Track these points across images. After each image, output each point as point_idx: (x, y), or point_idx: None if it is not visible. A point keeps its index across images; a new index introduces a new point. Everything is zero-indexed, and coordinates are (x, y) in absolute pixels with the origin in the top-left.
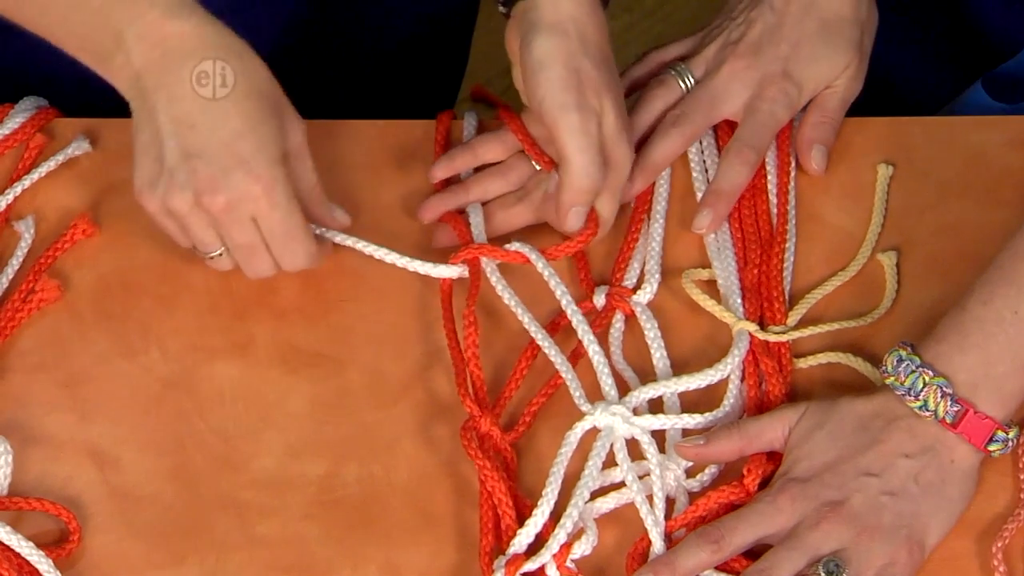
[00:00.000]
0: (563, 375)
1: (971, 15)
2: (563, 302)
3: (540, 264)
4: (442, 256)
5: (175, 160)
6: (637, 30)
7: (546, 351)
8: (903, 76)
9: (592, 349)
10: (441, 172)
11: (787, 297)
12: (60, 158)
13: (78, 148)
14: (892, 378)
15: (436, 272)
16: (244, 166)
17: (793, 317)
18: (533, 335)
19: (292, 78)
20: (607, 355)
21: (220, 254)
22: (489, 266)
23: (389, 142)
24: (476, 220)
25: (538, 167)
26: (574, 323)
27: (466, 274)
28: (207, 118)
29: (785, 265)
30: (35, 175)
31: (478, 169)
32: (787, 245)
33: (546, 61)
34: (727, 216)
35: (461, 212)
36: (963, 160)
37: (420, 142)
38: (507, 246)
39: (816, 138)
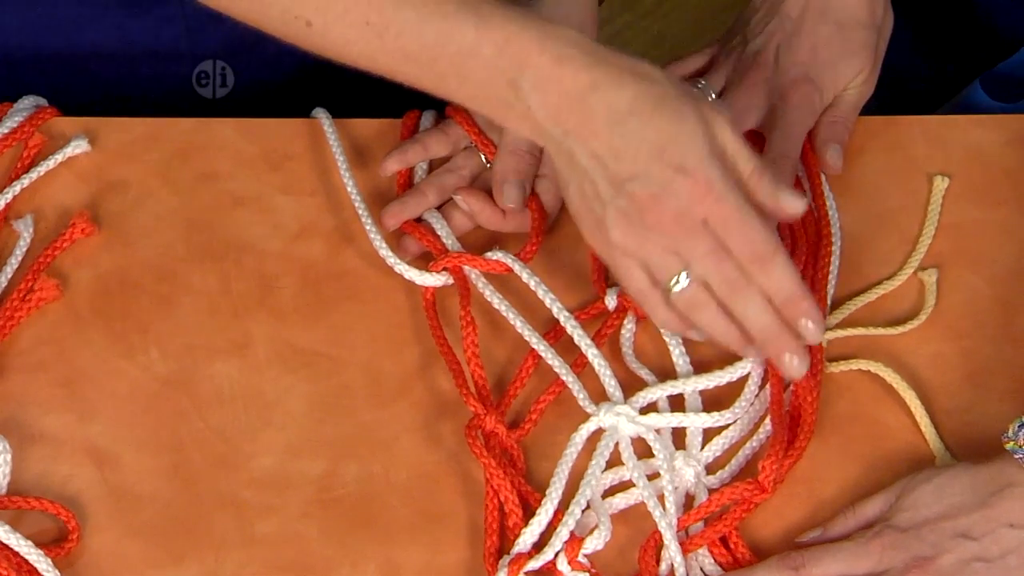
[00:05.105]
0: (564, 378)
1: (976, 11)
2: (554, 310)
3: (524, 274)
4: (426, 262)
5: (610, 193)
6: (636, 29)
7: (544, 356)
8: (903, 74)
9: (591, 353)
10: (393, 165)
11: (829, 302)
12: (59, 157)
13: (77, 147)
14: (1012, 442)
15: (421, 280)
16: (680, 172)
17: (830, 322)
18: (529, 341)
19: (299, 77)
20: (618, 357)
21: (687, 278)
22: (473, 273)
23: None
24: (443, 229)
25: (488, 163)
26: (568, 329)
27: (451, 281)
28: (627, 142)
29: (831, 270)
30: (34, 174)
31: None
32: (832, 249)
33: None
34: (776, 227)
35: (420, 220)
36: (962, 159)
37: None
38: (488, 254)
39: (831, 137)
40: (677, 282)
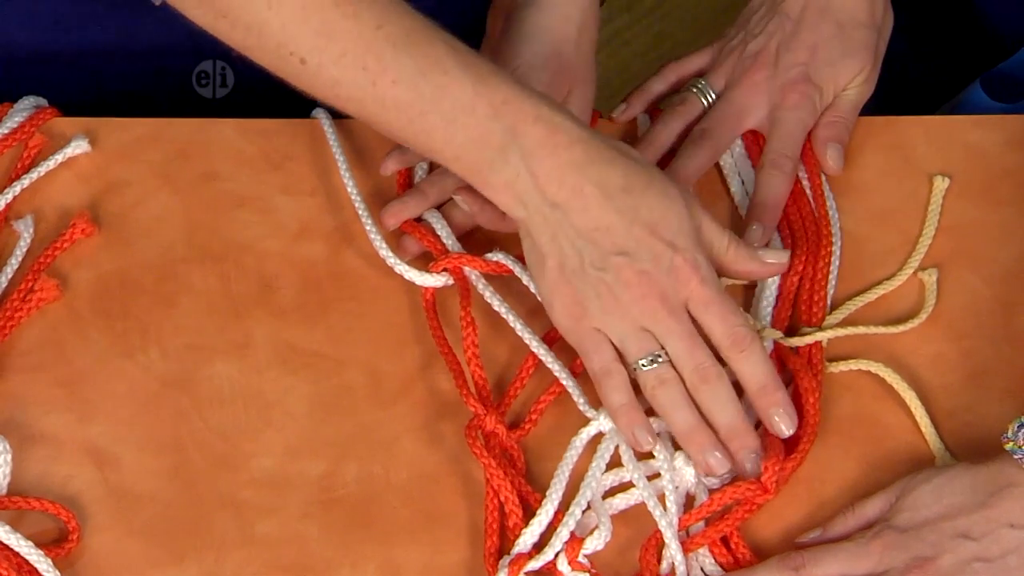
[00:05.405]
0: (563, 382)
1: (976, 11)
2: None
3: (525, 276)
4: (426, 262)
5: (596, 266)
6: (636, 29)
7: (544, 360)
8: (903, 74)
9: None
10: (393, 164)
11: (829, 302)
12: (59, 157)
13: (77, 148)
14: (1011, 443)
15: (421, 280)
16: (670, 250)
17: (830, 322)
18: (529, 344)
19: None
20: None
21: (661, 359)
22: (473, 274)
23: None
24: (443, 229)
25: None
26: None
27: (451, 282)
28: (620, 218)
29: (831, 270)
30: (34, 174)
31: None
32: (833, 249)
33: (534, 33)
34: (776, 227)
35: (420, 220)
36: (962, 159)
37: None
38: (488, 255)
39: (831, 137)
40: (651, 359)
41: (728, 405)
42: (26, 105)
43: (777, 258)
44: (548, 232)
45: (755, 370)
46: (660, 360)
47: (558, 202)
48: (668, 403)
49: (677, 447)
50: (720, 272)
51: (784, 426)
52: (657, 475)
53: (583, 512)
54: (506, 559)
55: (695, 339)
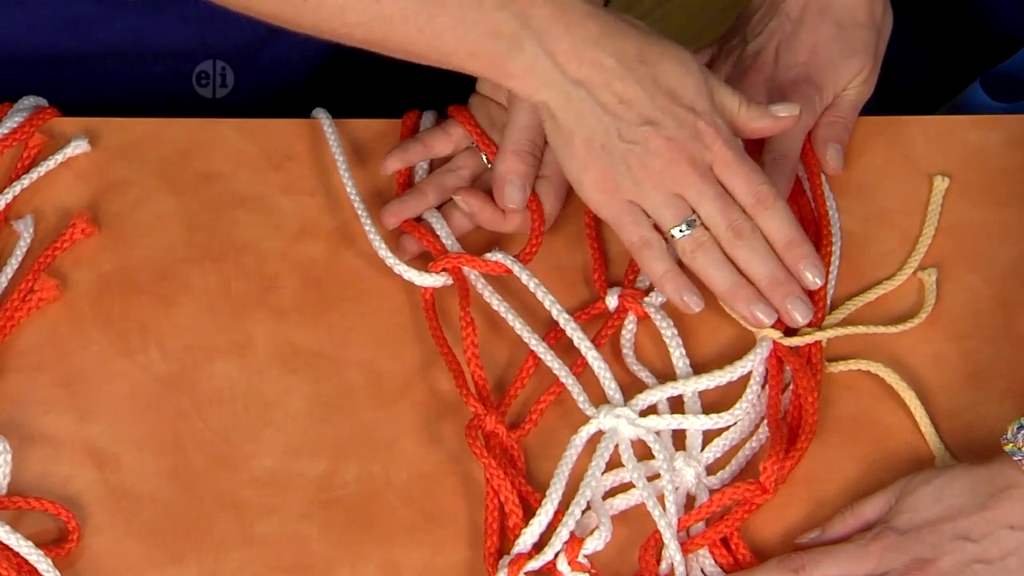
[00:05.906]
0: (563, 380)
1: (976, 11)
2: (553, 311)
3: (524, 275)
4: (426, 262)
5: (625, 139)
6: None
7: (544, 359)
8: (903, 73)
9: (591, 355)
10: (394, 163)
11: (829, 302)
12: (59, 157)
13: (77, 147)
14: (1011, 444)
15: (420, 280)
16: (692, 115)
17: (830, 322)
18: (529, 343)
19: (299, 79)
20: (619, 357)
21: (696, 223)
22: (473, 274)
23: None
24: (443, 229)
25: (489, 164)
26: (568, 331)
27: (450, 282)
28: (642, 88)
29: (831, 270)
30: (34, 174)
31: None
32: (832, 249)
33: None
34: None
35: (419, 219)
36: (962, 159)
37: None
38: (487, 255)
39: (831, 137)
40: (687, 224)
41: (766, 257)
42: (26, 105)
43: (788, 111)
44: (572, 111)
45: (781, 226)
46: (695, 224)
47: (580, 78)
48: (708, 264)
49: (678, 447)
50: (735, 133)
51: (813, 276)
52: (657, 475)
53: (583, 512)
54: (506, 559)
55: (726, 199)
